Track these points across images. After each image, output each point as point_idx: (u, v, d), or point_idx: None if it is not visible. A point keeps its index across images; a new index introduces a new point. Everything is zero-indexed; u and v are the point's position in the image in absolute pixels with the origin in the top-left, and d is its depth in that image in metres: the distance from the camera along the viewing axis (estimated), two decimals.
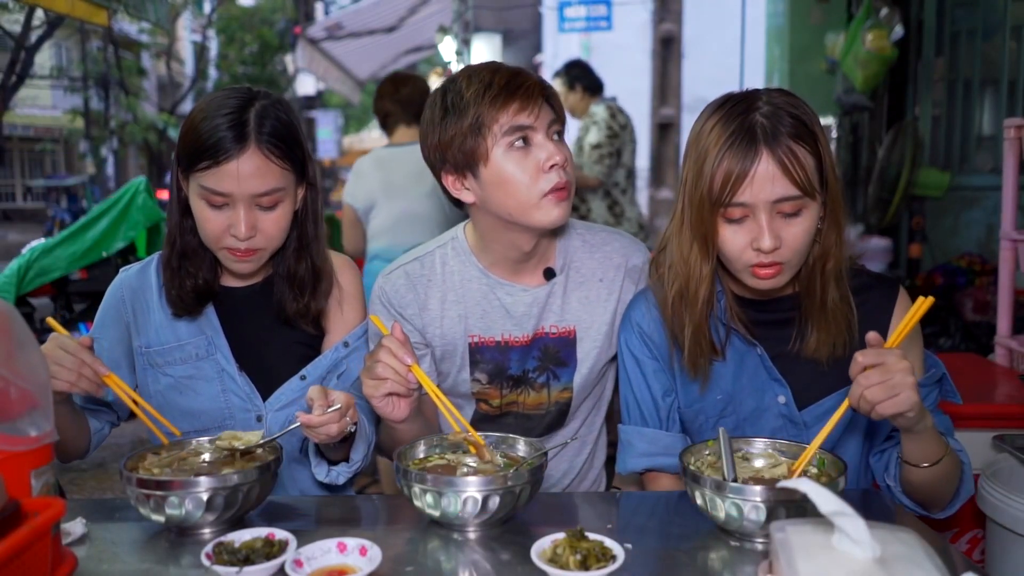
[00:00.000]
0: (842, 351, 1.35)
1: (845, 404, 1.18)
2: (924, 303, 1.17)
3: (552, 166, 1.40)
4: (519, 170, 1.41)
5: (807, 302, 1.37)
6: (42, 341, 1.16)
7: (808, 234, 1.30)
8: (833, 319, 1.35)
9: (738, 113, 1.29)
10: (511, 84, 1.40)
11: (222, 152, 1.36)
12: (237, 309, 1.55)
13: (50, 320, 1.35)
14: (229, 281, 1.56)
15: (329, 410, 1.24)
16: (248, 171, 1.37)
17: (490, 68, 1.44)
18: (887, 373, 1.12)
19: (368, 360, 1.30)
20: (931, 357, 1.43)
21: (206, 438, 1.35)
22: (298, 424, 1.26)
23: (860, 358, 1.14)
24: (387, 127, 3.49)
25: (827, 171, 1.30)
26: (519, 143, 1.41)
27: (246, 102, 1.40)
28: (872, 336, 1.16)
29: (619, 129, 4.12)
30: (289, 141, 1.42)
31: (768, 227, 1.27)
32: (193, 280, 1.49)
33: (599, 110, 4.17)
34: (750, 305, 1.41)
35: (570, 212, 1.47)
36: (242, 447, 1.29)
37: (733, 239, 1.30)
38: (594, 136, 4.10)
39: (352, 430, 1.30)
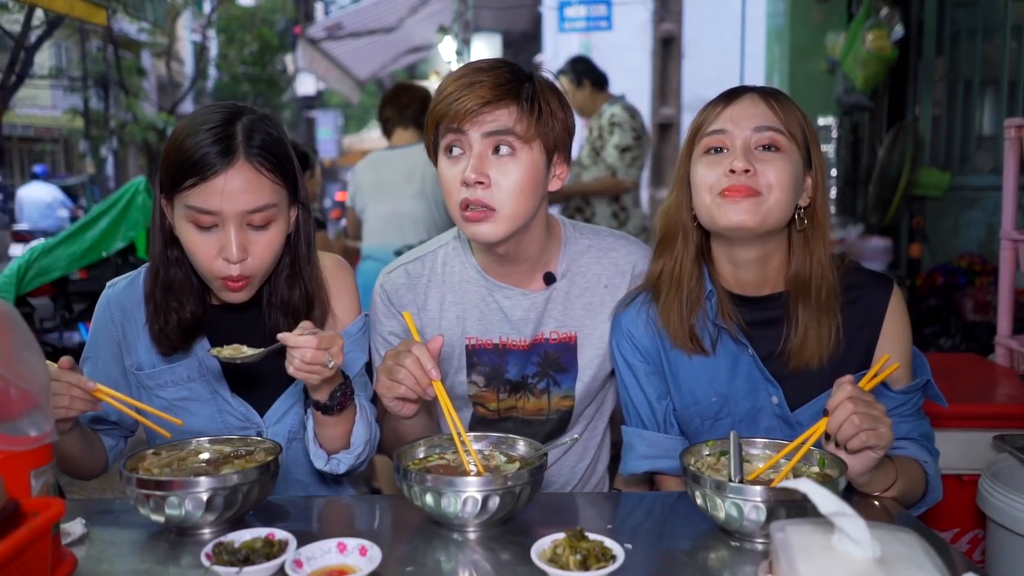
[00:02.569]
0: (832, 348, 1.36)
1: (820, 427, 1.18)
2: (891, 368, 1.23)
3: (463, 182, 1.37)
4: (445, 177, 1.42)
5: (796, 297, 1.37)
6: (42, 341, 1.16)
7: (787, 175, 1.32)
8: (824, 314, 1.36)
9: (735, 86, 1.40)
10: (454, 96, 1.36)
11: (208, 167, 1.28)
12: (227, 330, 1.48)
13: None
14: (219, 301, 1.49)
15: (307, 332, 1.24)
16: (237, 186, 1.29)
17: (464, 71, 1.41)
18: (870, 406, 1.15)
19: (391, 359, 1.30)
20: (919, 358, 1.43)
21: (206, 438, 1.35)
22: (279, 345, 1.26)
23: (850, 389, 1.15)
24: (387, 131, 3.62)
25: (813, 154, 1.37)
26: (449, 149, 1.41)
27: (232, 116, 1.34)
28: (843, 379, 1.18)
29: (640, 131, 4.07)
30: (280, 155, 1.36)
31: (743, 152, 1.32)
32: (177, 315, 1.42)
33: (617, 111, 4.04)
34: (740, 303, 1.41)
35: (497, 234, 1.40)
36: (240, 361, 1.30)
37: (708, 170, 1.35)
38: (619, 139, 3.98)
39: (331, 367, 1.25)
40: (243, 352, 1.32)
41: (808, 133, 1.36)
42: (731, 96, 1.37)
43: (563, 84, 4.16)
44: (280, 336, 1.24)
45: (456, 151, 1.40)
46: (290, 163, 1.40)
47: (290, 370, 1.25)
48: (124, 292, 1.51)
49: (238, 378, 1.50)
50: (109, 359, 1.51)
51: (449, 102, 1.37)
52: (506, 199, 1.38)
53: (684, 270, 1.42)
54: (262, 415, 1.50)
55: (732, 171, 1.30)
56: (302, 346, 1.23)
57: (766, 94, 1.36)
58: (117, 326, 1.50)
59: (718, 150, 1.35)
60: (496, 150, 1.38)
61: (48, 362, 1.25)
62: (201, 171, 1.28)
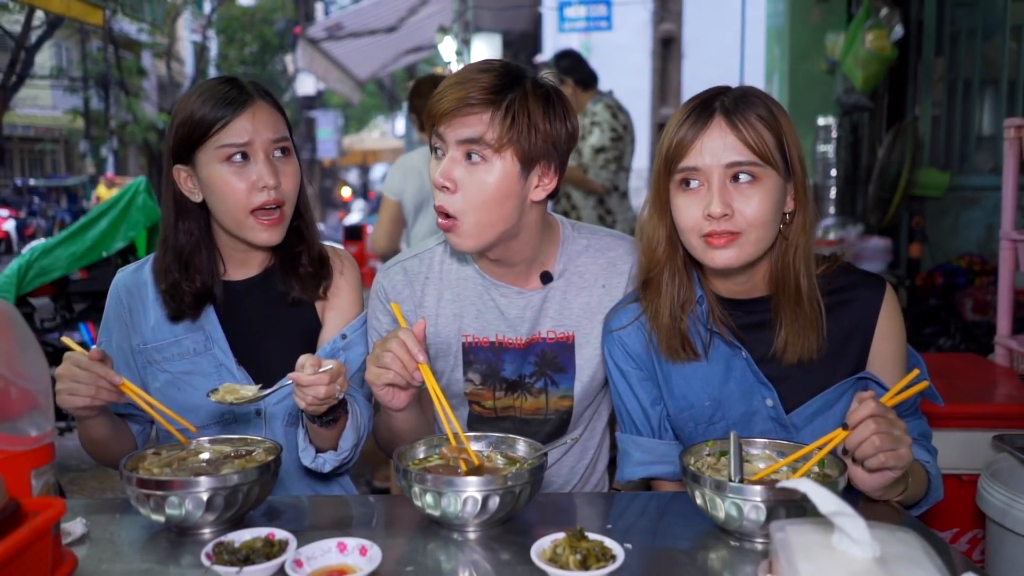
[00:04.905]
0: (815, 350, 1.35)
1: (838, 436, 1.16)
2: (919, 386, 1.21)
3: (434, 184, 1.40)
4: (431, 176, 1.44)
5: (777, 299, 1.36)
6: (42, 341, 1.17)
7: (767, 208, 1.28)
8: (804, 315, 1.34)
9: (703, 96, 1.33)
10: (440, 95, 1.38)
11: (235, 104, 1.44)
12: (235, 303, 1.56)
13: (65, 339, 1.38)
14: (229, 275, 1.57)
15: (321, 370, 1.26)
16: (262, 117, 1.46)
17: (462, 70, 1.42)
18: (892, 425, 1.13)
19: (378, 347, 1.31)
20: (914, 357, 1.42)
21: (206, 438, 1.35)
22: (289, 383, 1.28)
23: (874, 406, 1.12)
24: (424, 125, 3.50)
25: (792, 158, 1.31)
26: (435, 150, 1.43)
27: (235, 78, 1.52)
28: (865, 394, 1.15)
29: (622, 131, 3.98)
30: (279, 103, 1.53)
31: (719, 192, 1.28)
32: (191, 283, 1.50)
33: (599, 109, 3.98)
34: (731, 306, 1.40)
35: (472, 247, 1.42)
36: (234, 400, 1.33)
37: (687, 209, 1.31)
38: (596, 139, 3.93)
39: (340, 396, 1.32)
40: (240, 394, 1.35)
41: (787, 140, 1.30)
42: (699, 120, 1.29)
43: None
44: (292, 376, 1.27)
45: (439, 152, 1.42)
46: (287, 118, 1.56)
47: (301, 405, 1.30)
48: (132, 275, 1.59)
49: (244, 353, 1.54)
50: (120, 338, 1.57)
51: (435, 101, 1.38)
52: (468, 208, 1.38)
53: (673, 280, 1.40)
54: None
55: (710, 215, 1.28)
56: (315, 384, 1.26)
57: (733, 115, 1.28)
58: (124, 307, 1.56)
59: (691, 183, 1.31)
60: (468, 156, 1.38)
61: (79, 349, 1.30)
62: (229, 110, 1.44)
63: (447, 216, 1.40)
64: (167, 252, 1.51)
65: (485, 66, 1.41)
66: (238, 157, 1.44)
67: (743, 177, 1.28)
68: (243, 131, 1.43)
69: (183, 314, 1.52)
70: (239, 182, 1.44)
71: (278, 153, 1.48)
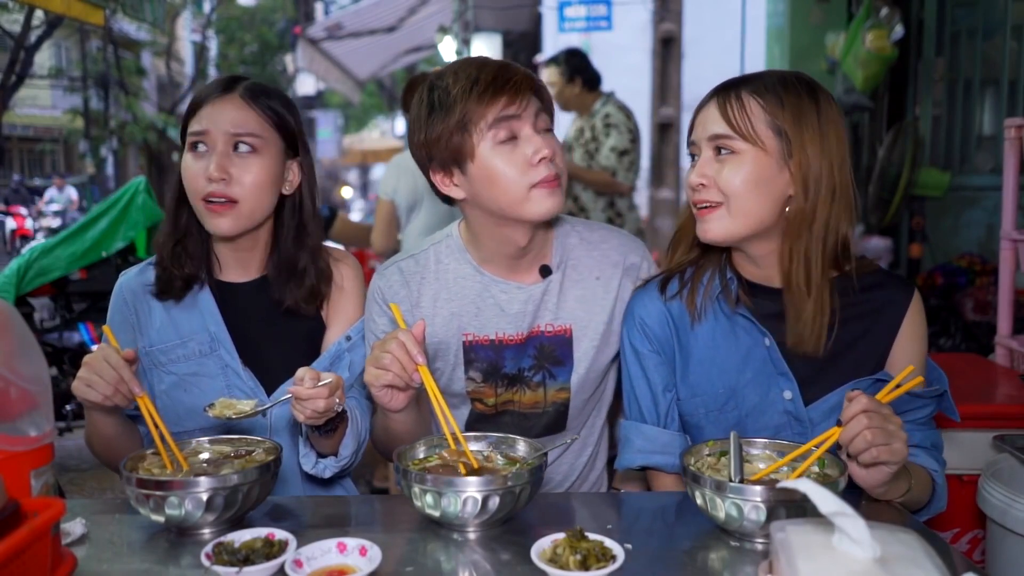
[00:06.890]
0: (818, 347, 1.34)
1: (835, 434, 1.16)
2: (914, 381, 1.17)
3: (541, 159, 1.40)
4: (506, 165, 1.40)
5: (788, 290, 1.36)
6: (42, 341, 1.16)
7: (744, 181, 1.31)
8: (807, 311, 1.33)
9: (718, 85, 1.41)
10: (498, 79, 1.39)
11: (208, 95, 1.48)
12: (238, 304, 1.55)
13: (106, 328, 1.38)
14: (229, 276, 1.56)
15: (320, 383, 1.26)
16: (225, 109, 1.46)
17: (476, 63, 1.44)
18: (886, 421, 1.13)
19: (376, 348, 1.31)
20: (936, 370, 1.42)
21: (206, 438, 1.35)
22: (289, 397, 1.28)
23: (866, 402, 1.12)
24: None
25: (791, 136, 1.31)
26: (505, 138, 1.41)
27: (242, 77, 1.55)
28: (855, 392, 1.15)
29: (636, 131, 4.00)
30: (275, 101, 1.51)
31: (700, 163, 1.36)
32: (187, 266, 1.52)
33: (612, 111, 3.97)
34: (762, 294, 1.40)
35: (563, 202, 1.45)
36: (233, 415, 1.32)
37: (688, 178, 1.41)
38: (616, 140, 3.91)
39: (338, 409, 1.31)
40: (238, 409, 1.34)
41: (783, 121, 1.30)
42: (703, 101, 1.39)
43: (551, 76, 3.99)
44: (291, 389, 1.27)
45: (514, 136, 1.43)
46: (287, 116, 1.53)
47: (300, 418, 1.30)
48: (136, 278, 1.58)
49: (249, 354, 1.54)
50: (125, 343, 1.55)
51: (498, 86, 1.42)
52: (563, 171, 1.48)
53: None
54: (269, 394, 1.53)
55: (691, 187, 1.37)
56: (314, 397, 1.26)
57: (725, 93, 1.34)
58: (131, 308, 1.56)
59: (692, 157, 1.40)
60: (543, 129, 1.46)
61: (116, 345, 1.30)
62: (202, 100, 1.48)
63: (554, 180, 1.43)
64: (174, 229, 1.54)
65: (491, 59, 1.46)
66: (200, 146, 1.45)
67: (722, 146, 1.33)
68: (202, 119, 1.46)
69: (171, 293, 1.52)
70: (193, 170, 1.46)
71: (243, 148, 1.46)
